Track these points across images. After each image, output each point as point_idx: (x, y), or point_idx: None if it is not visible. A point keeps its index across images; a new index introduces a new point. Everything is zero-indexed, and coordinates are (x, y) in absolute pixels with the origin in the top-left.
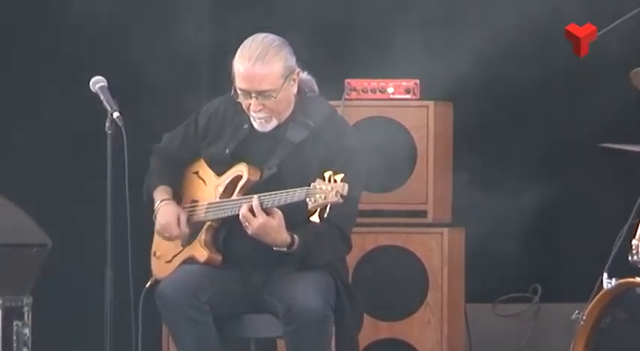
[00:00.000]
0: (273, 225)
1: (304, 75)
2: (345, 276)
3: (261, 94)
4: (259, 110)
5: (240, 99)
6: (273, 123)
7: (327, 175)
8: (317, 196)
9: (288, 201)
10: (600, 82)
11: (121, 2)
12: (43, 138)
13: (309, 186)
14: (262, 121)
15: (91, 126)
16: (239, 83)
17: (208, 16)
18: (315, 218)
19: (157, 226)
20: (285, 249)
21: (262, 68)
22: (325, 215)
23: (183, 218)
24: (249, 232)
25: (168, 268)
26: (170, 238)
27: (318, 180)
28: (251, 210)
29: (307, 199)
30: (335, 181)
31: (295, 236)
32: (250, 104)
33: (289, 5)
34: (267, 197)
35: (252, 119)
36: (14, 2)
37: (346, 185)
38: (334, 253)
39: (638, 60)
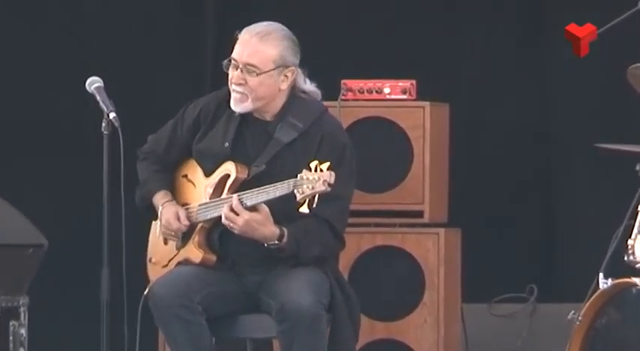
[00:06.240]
0: (258, 219)
1: (310, 86)
2: (340, 275)
3: (245, 67)
4: (239, 84)
5: (229, 70)
6: (248, 104)
7: (312, 165)
8: (304, 186)
9: (274, 195)
10: (598, 83)
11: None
12: (39, 138)
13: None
14: (237, 97)
15: (87, 126)
16: (234, 52)
17: (211, 16)
18: (304, 209)
19: (162, 228)
20: (276, 242)
21: (258, 44)
22: (314, 205)
23: (182, 214)
24: (236, 231)
25: (165, 272)
26: (175, 236)
27: (304, 170)
28: (232, 210)
29: (295, 191)
30: (321, 170)
31: (284, 228)
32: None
33: (288, 6)
34: (250, 194)
35: (232, 96)
36: (13, 1)
37: (333, 174)
38: (325, 248)
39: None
